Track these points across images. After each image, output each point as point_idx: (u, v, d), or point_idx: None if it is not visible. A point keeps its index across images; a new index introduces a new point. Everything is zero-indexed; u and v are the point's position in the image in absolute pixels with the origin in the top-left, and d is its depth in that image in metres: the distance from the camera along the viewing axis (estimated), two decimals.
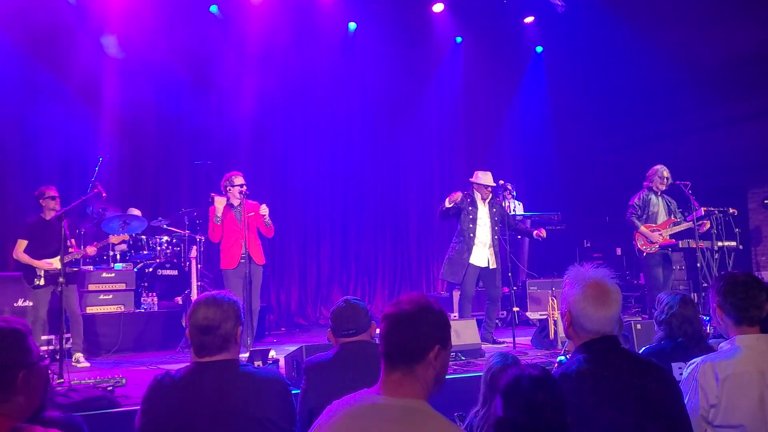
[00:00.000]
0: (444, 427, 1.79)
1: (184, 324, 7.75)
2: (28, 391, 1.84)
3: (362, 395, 1.89)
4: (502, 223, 7.42)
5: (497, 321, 8.10)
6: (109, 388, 4.79)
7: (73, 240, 6.82)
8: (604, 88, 11.05)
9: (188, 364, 2.49)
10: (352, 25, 10.80)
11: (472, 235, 7.27)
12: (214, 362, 2.43)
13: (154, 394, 2.40)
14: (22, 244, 6.57)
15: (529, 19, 11.17)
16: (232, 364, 2.47)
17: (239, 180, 6.84)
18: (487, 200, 7.39)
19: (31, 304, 6.70)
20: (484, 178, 7.36)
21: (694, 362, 2.57)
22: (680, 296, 3.43)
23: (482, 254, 7.29)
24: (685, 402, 2.47)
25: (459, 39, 11.52)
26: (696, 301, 8.59)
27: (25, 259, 6.54)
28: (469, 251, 7.24)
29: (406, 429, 1.77)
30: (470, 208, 7.31)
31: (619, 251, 10.73)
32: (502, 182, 7.40)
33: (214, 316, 2.43)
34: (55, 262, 6.50)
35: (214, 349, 2.44)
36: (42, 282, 6.54)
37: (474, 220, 7.28)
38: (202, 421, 2.31)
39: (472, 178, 7.44)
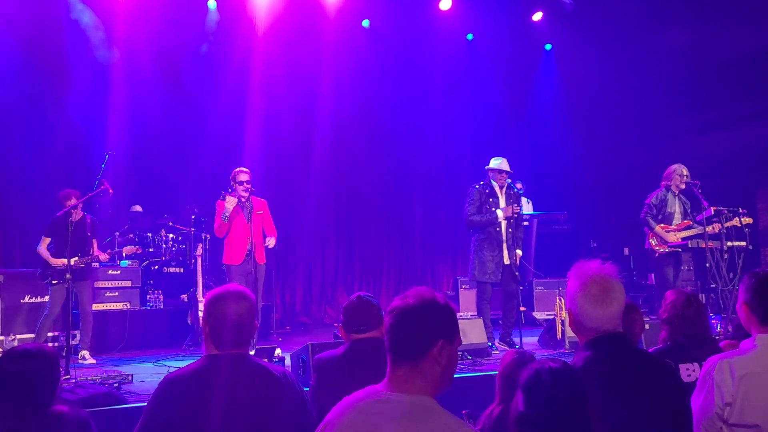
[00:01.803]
0: (450, 423, 1.77)
1: (189, 321, 7.75)
2: None
3: (369, 391, 1.87)
4: (515, 216, 7.01)
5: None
6: (115, 385, 4.81)
7: (95, 241, 6.96)
8: (612, 87, 11.00)
9: (202, 356, 2.45)
10: (366, 22, 10.78)
11: (498, 229, 6.87)
12: (233, 354, 2.40)
13: (169, 385, 2.36)
14: (45, 240, 6.75)
15: (537, 17, 11.12)
16: (247, 357, 2.45)
17: (243, 177, 6.85)
18: (504, 189, 7.03)
19: (46, 299, 6.79)
20: (501, 163, 7.00)
21: (710, 360, 2.53)
22: (685, 296, 3.40)
23: (505, 250, 6.91)
24: (701, 400, 2.45)
25: (470, 36, 11.49)
26: (704, 302, 8.54)
27: (44, 255, 6.70)
28: (500, 247, 6.86)
29: (412, 425, 1.74)
30: (491, 200, 6.93)
31: (626, 251, 10.66)
32: (509, 180, 7.18)
33: (244, 311, 2.40)
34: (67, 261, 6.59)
35: (243, 344, 2.42)
36: (55, 280, 6.61)
37: (495, 212, 6.90)
38: (220, 413, 2.28)
39: (487, 165, 7.07)
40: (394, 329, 1.84)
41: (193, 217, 8.62)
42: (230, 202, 6.68)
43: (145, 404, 2.41)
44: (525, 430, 1.75)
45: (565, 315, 6.67)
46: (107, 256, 6.99)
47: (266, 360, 4.97)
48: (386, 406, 1.78)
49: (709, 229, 7.10)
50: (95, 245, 6.97)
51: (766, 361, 2.43)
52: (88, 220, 6.91)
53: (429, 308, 1.83)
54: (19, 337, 7.03)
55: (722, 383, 2.42)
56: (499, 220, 6.89)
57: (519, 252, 7.05)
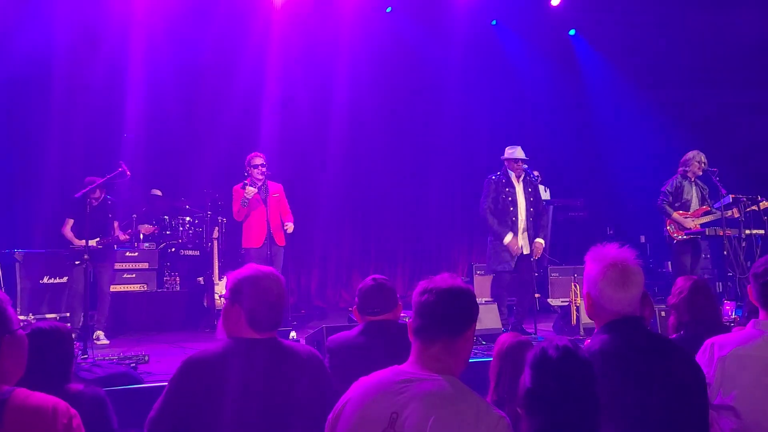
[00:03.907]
0: (481, 405, 1.79)
1: (206, 304, 7.82)
2: (12, 356, 1.92)
3: (393, 371, 1.90)
4: (535, 205, 6.94)
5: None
6: (132, 365, 4.86)
7: (116, 223, 7.10)
8: (629, 73, 10.89)
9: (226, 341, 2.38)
10: (388, 9, 10.71)
11: (514, 218, 6.78)
12: (267, 338, 2.36)
13: (196, 367, 2.29)
14: (69, 222, 6.91)
15: (555, 1, 10.97)
16: (278, 339, 2.42)
17: (258, 160, 6.90)
18: (521, 178, 6.92)
19: (65, 280, 6.97)
20: (515, 152, 6.91)
21: (710, 340, 2.53)
22: (693, 281, 3.40)
23: (522, 240, 6.82)
24: None
25: (494, 22, 11.37)
26: (720, 290, 8.48)
27: (68, 236, 6.87)
28: (516, 237, 6.76)
29: (442, 405, 1.76)
30: (507, 189, 6.83)
31: (643, 239, 10.59)
32: (525, 166, 7.10)
33: (281, 291, 2.38)
34: (91, 242, 6.70)
35: (277, 325, 2.39)
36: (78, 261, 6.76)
37: (514, 202, 6.80)
38: (255, 398, 2.25)
39: (503, 155, 7.00)
40: (436, 306, 1.90)
41: (209, 201, 8.65)
42: (249, 192, 6.76)
43: (165, 384, 2.33)
44: (533, 406, 1.75)
45: (580, 301, 6.64)
46: (127, 237, 7.12)
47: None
48: (413, 386, 1.81)
49: (727, 213, 7.02)
50: (116, 226, 7.08)
51: (756, 346, 2.39)
52: (109, 202, 7.02)
53: (468, 292, 1.96)
54: (38, 317, 7.13)
55: (705, 364, 2.41)
56: (517, 205, 6.82)
57: (541, 241, 6.94)
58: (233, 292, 2.37)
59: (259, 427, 2.25)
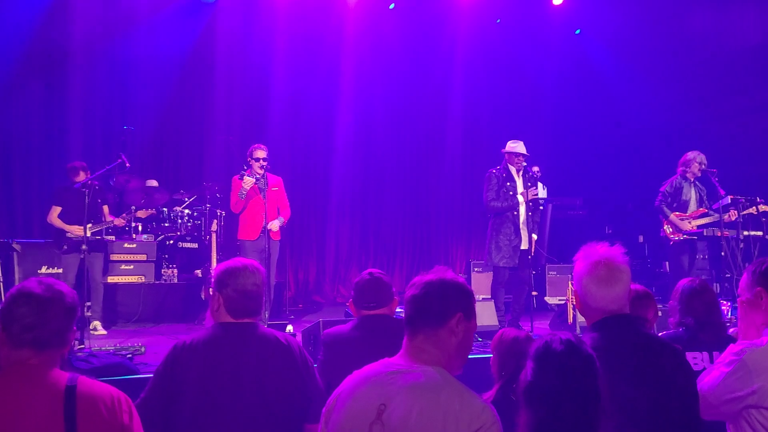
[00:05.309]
0: (465, 393, 1.80)
1: (203, 296, 7.83)
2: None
3: (382, 363, 1.92)
4: (533, 199, 6.86)
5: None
6: (128, 356, 4.87)
7: (106, 207, 6.93)
8: (633, 72, 10.87)
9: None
10: (392, 5, 10.69)
11: (515, 212, 6.76)
12: (247, 323, 2.55)
13: (183, 351, 2.46)
14: (56, 210, 6.74)
15: (558, 1, 10.93)
16: (258, 325, 2.59)
17: (260, 153, 6.85)
18: (521, 172, 6.91)
19: (60, 271, 6.82)
20: (517, 146, 6.89)
21: (743, 344, 2.43)
22: (697, 283, 3.41)
23: (523, 235, 6.81)
24: (725, 378, 2.36)
25: (498, 20, 11.34)
26: (718, 291, 8.48)
27: (58, 223, 6.72)
28: (518, 232, 6.75)
29: (425, 394, 1.78)
30: (508, 183, 6.81)
31: (641, 239, 10.58)
32: (525, 164, 7.07)
33: (257, 281, 2.55)
34: (83, 230, 6.64)
35: (255, 312, 2.57)
36: (71, 249, 6.68)
37: (515, 197, 6.79)
38: (236, 379, 2.41)
39: (504, 148, 6.97)
40: (416, 298, 1.94)
41: (208, 194, 8.65)
42: (247, 182, 6.69)
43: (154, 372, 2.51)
44: (533, 399, 1.76)
45: None
46: (122, 220, 6.97)
47: None
48: (400, 377, 1.83)
49: (725, 217, 7.02)
50: (106, 211, 6.95)
51: None
52: (96, 187, 6.80)
53: (452, 283, 1.97)
54: None
55: (753, 369, 2.31)
56: (519, 205, 6.83)
57: (534, 236, 6.95)
58: (216, 282, 2.59)
59: (233, 406, 2.38)
